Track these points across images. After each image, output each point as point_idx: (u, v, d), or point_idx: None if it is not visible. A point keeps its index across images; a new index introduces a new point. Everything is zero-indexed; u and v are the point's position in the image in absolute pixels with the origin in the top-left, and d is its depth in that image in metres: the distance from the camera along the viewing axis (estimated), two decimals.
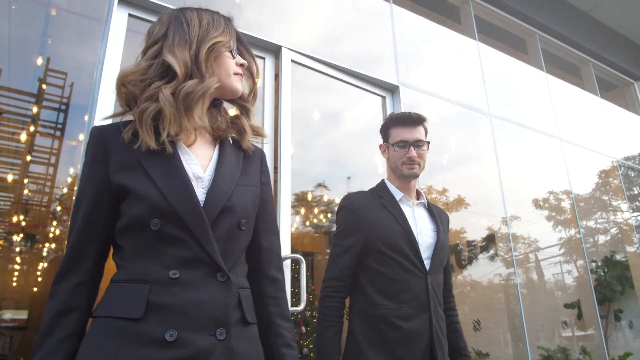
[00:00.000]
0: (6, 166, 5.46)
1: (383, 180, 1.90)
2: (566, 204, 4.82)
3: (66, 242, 1.02)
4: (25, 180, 5.71)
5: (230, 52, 1.13)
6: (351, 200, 1.83)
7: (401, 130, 1.84)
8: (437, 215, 1.87)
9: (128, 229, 1.00)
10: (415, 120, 1.85)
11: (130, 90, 1.04)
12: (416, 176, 1.82)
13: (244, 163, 1.13)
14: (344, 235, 1.77)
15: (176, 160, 1.03)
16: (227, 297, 0.98)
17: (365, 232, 1.74)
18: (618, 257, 5.28)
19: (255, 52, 2.83)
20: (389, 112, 3.34)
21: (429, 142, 1.87)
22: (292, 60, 2.92)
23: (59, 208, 6.10)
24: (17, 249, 6.71)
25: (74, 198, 1.03)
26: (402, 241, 1.71)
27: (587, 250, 5.31)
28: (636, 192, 5.85)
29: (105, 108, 2.12)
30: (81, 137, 4.70)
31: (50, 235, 6.52)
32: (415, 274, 1.70)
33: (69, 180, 5.64)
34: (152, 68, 1.04)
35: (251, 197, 1.11)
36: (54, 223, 6.38)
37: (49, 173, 5.69)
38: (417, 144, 1.81)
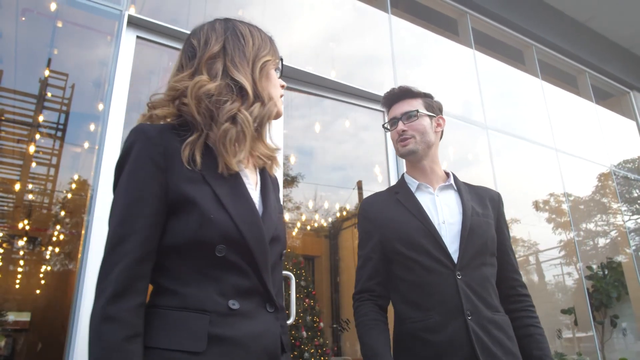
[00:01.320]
0: (7, 167, 5.51)
1: (403, 174, 1.68)
2: (565, 207, 4.91)
3: (110, 253, 0.88)
4: (30, 186, 5.77)
5: (278, 71, 1.13)
6: (364, 205, 1.65)
7: (391, 111, 1.67)
8: (473, 195, 1.60)
9: (184, 249, 0.91)
10: (399, 94, 1.65)
11: (204, 103, 0.97)
12: (413, 152, 1.58)
13: (274, 190, 1.13)
14: (362, 245, 1.60)
15: (241, 183, 0.99)
16: (277, 328, 0.98)
17: (379, 235, 1.54)
18: (619, 258, 5.34)
19: None
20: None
21: (429, 115, 1.61)
22: (290, 89, 3.03)
23: (62, 213, 6.15)
24: (21, 252, 6.76)
25: (115, 202, 0.92)
26: (421, 236, 1.46)
27: (587, 253, 5.39)
28: (635, 195, 5.92)
29: (116, 129, 2.22)
30: (86, 145, 4.77)
31: (54, 239, 6.57)
32: (440, 272, 1.42)
33: (73, 186, 5.70)
34: (222, 85, 0.99)
35: (285, 226, 1.11)
36: (57, 227, 6.43)
37: (50, 174, 5.74)
38: (405, 116, 1.59)
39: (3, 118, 4.73)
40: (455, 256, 1.43)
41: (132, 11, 2.53)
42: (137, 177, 0.91)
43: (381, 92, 3.40)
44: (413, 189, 1.59)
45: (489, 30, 4.79)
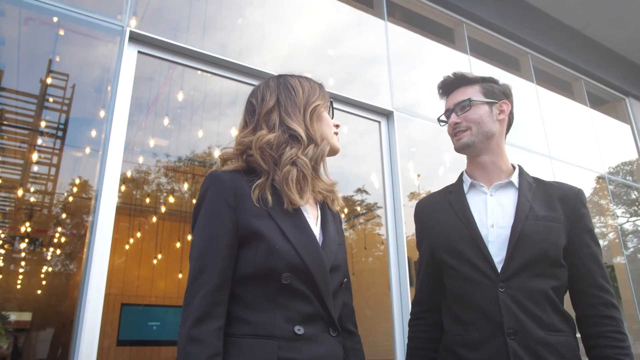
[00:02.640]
0: (8, 167, 5.56)
1: (462, 171, 1.52)
2: None
3: (192, 283, 1.00)
4: (32, 189, 5.82)
5: (328, 112, 1.25)
6: (416, 207, 1.55)
7: (446, 102, 1.51)
8: (539, 193, 1.38)
9: (253, 278, 1.02)
10: (453, 82, 1.50)
11: (267, 152, 1.11)
12: (468, 146, 1.41)
13: (335, 223, 1.22)
14: (418, 250, 1.51)
15: (302, 218, 1.10)
16: (340, 351, 1.07)
17: (428, 241, 1.44)
18: (617, 259, 5.38)
19: (257, 83, 2.99)
20: (384, 135, 3.48)
21: (488, 101, 1.43)
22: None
23: (64, 215, 6.20)
24: (22, 254, 6.82)
25: (195, 238, 1.06)
26: (464, 242, 1.32)
27: None
28: (633, 196, 5.96)
29: (118, 141, 2.31)
30: (86, 146, 4.83)
31: (55, 240, 6.62)
32: (480, 283, 1.26)
33: (75, 190, 5.76)
34: (280, 134, 1.13)
35: (346, 256, 1.20)
36: (59, 228, 6.48)
37: (51, 173, 5.80)
38: (458, 106, 1.44)
39: (6, 122, 4.79)
40: (500, 266, 1.26)
41: (133, 23, 2.60)
42: (212, 217, 1.04)
43: (375, 102, 3.49)
44: (466, 189, 1.44)
45: (485, 39, 4.84)
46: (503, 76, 4.95)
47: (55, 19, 2.69)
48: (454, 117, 1.44)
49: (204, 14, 3.19)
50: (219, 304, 0.98)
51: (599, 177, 5.45)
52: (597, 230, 5.65)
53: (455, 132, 1.44)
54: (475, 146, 1.41)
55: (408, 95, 3.85)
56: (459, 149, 1.45)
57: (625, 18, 5.39)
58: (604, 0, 5.08)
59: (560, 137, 5.03)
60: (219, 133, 5.35)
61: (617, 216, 5.74)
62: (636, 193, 5.88)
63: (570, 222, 1.34)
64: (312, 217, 1.15)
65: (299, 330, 0.99)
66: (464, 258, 1.31)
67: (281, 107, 1.17)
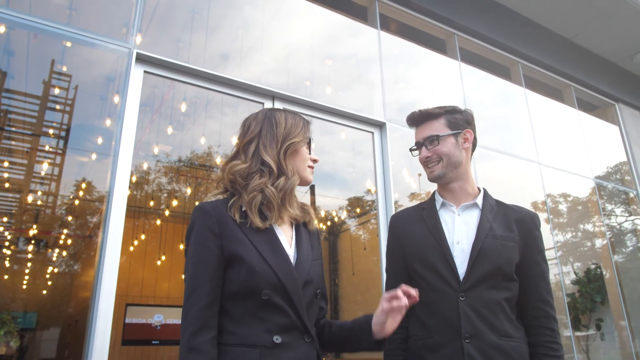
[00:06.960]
0: (12, 168, 5.66)
1: (435, 190, 1.66)
2: (559, 214, 5.07)
3: (187, 300, 1.17)
4: (39, 193, 5.94)
5: (308, 147, 1.39)
6: (391, 220, 1.68)
7: (415, 133, 1.64)
8: (499, 215, 1.54)
9: (237, 295, 1.18)
10: (418, 118, 1.62)
11: (236, 179, 1.27)
12: (440, 177, 1.56)
13: (311, 239, 1.38)
14: (387, 261, 1.63)
15: (277, 242, 1.26)
16: (314, 355, 1.23)
17: (402, 251, 1.57)
18: (616, 258, 5.50)
19: (255, 98, 3.15)
20: (377, 145, 3.64)
21: (453, 133, 1.56)
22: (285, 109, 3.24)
23: (70, 218, 6.32)
24: (29, 256, 6.94)
25: (187, 262, 1.22)
26: (435, 255, 1.47)
27: (584, 254, 5.58)
28: (632, 195, 6.06)
29: (127, 155, 2.47)
30: (91, 151, 4.95)
31: (61, 242, 6.74)
32: (444, 292, 1.43)
33: (81, 193, 5.88)
34: (253, 163, 1.29)
35: (321, 270, 1.34)
36: (64, 230, 6.59)
37: (54, 174, 5.89)
38: (427, 141, 1.57)
39: (13, 127, 4.91)
40: (463, 277, 1.42)
41: (138, 39, 2.74)
42: (200, 243, 1.21)
43: (368, 114, 3.62)
44: (438, 207, 1.59)
45: (476, 49, 4.95)
46: (494, 83, 5.08)
47: (64, 42, 2.83)
48: (424, 152, 1.58)
49: (206, 25, 3.34)
50: (210, 318, 1.16)
51: (596, 177, 5.55)
52: (594, 230, 5.76)
53: (427, 164, 1.58)
54: (446, 176, 1.56)
55: (402, 102, 3.99)
56: (432, 180, 1.59)
57: (614, 26, 5.49)
58: (593, 9, 5.19)
59: (550, 143, 5.12)
60: (220, 133, 5.48)
61: (617, 215, 5.85)
62: (634, 192, 5.97)
63: (524, 242, 1.51)
64: (286, 238, 1.31)
65: (277, 339, 1.15)
66: (432, 268, 1.46)
67: (261, 138, 1.32)
